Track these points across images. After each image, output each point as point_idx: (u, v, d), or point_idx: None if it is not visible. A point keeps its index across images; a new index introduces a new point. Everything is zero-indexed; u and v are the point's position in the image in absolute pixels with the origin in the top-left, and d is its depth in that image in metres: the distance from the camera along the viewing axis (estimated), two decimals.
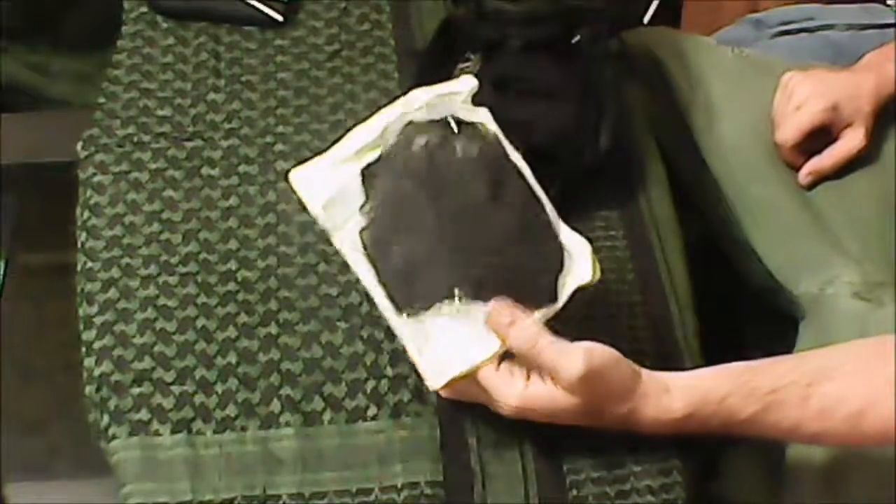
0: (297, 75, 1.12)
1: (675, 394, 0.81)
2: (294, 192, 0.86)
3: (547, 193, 0.86)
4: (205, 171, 1.04)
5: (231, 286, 0.96)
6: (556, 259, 0.84)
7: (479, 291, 0.82)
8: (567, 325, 0.83)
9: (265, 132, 1.07)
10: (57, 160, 1.14)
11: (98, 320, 0.93)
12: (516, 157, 0.86)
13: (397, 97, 0.87)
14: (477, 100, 0.87)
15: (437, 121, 0.86)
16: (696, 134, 1.23)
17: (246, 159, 1.05)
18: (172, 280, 0.96)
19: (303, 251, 0.98)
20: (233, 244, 0.99)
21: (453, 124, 0.85)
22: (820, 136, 1.16)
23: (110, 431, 0.88)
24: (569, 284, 0.84)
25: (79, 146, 1.05)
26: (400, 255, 0.84)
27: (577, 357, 0.78)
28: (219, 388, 0.90)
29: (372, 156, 0.85)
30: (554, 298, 0.83)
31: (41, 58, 1.46)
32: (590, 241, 0.85)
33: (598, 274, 0.84)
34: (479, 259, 0.83)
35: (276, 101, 1.10)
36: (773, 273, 1.15)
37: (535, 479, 0.86)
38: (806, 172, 1.17)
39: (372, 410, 0.89)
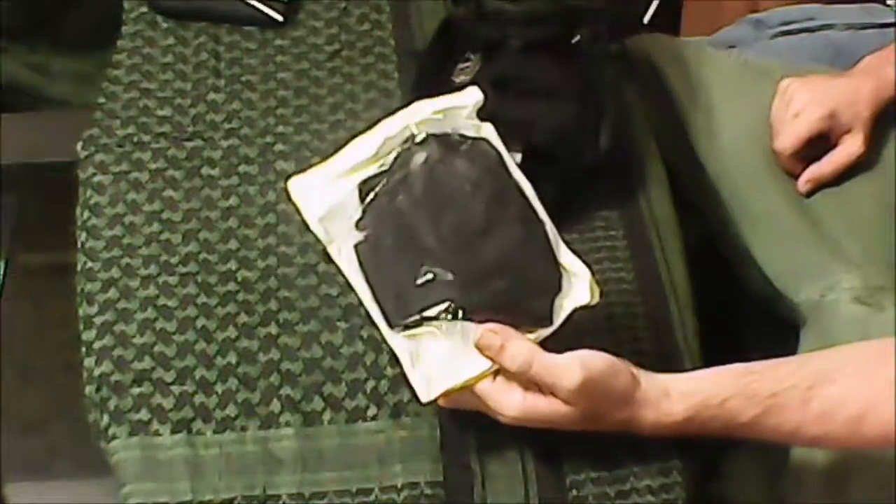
0: (297, 75, 1.12)
1: (675, 397, 0.81)
2: (292, 202, 0.86)
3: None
4: (205, 171, 1.04)
5: (231, 286, 0.96)
6: (553, 281, 0.83)
7: (474, 311, 0.81)
8: (566, 326, 0.83)
9: (265, 132, 1.07)
10: (57, 160, 1.14)
11: (98, 320, 0.93)
12: (519, 175, 0.85)
13: (400, 108, 0.86)
14: None
15: (440, 135, 0.84)
16: (695, 141, 1.23)
17: (246, 159, 1.05)
18: (172, 280, 0.96)
19: (303, 251, 0.98)
20: (233, 244, 0.99)
21: (455, 139, 0.84)
22: (818, 143, 1.15)
23: (110, 431, 0.88)
24: (566, 306, 0.83)
25: (79, 146, 1.05)
26: (394, 272, 0.83)
27: (573, 368, 0.78)
28: (219, 388, 0.90)
29: (371, 169, 0.84)
30: (549, 320, 0.82)
31: (41, 58, 1.46)
32: (590, 266, 0.84)
33: (598, 297, 0.83)
34: (475, 279, 0.82)
35: (276, 101, 1.09)
36: (772, 280, 1.14)
37: (535, 479, 0.86)
38: (805, 180, 1.16)
39: (372, 410, 0.89)
